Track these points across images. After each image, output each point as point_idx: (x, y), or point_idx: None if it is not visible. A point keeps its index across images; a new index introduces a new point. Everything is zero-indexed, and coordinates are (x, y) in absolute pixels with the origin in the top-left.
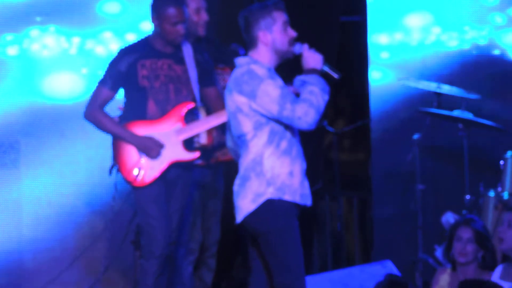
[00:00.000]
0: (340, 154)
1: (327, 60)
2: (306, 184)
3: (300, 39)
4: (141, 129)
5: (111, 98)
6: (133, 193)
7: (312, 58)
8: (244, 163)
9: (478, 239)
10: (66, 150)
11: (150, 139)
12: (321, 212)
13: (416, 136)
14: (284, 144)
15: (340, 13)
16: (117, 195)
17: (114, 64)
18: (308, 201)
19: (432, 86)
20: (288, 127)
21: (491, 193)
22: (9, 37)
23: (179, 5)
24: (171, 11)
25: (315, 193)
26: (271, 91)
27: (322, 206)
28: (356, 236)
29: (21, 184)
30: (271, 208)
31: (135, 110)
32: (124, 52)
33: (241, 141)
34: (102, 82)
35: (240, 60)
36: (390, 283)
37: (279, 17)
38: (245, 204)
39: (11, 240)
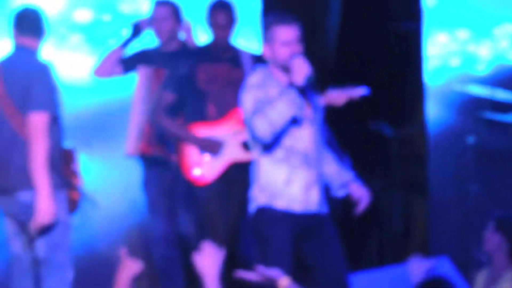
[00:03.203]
0: (399, 156)
1: (382, 65)
2: (315, 192)
3: (358, 44)
4: (202, 131)
5: (173, 101)
6: (195, 192)
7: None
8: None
9: (503, 229)
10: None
11: (211, 139)
12: (381, 210)
13: (470, 140)
14: (280, 153)
15: (396, 20)
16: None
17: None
18: (314, 209)
19: (486, 91)
20: (287, 136)
21: None
22: None
23: (226, 10)
24: (220, 16)
25: (375, 193)
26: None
27: (382, 205)
28: (414, 234)
29: None
30: (259, 216)
31: (195, 113)
32: (185, 57)
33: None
34: (164, 87)
35: None
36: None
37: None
38: (250, 208)
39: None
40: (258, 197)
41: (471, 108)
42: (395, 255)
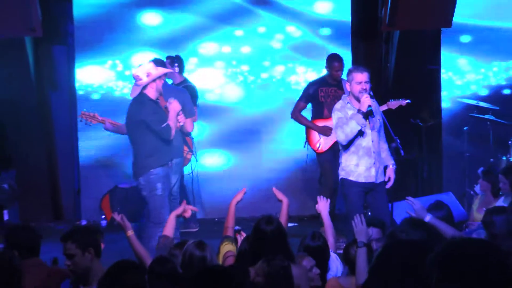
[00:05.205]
0: (426, 136)
1: (418, 88)
2: (373, 170)
3: (405, 77)
4: (320, 123)
5: (304, 107)
6: (317, 157)
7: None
8: None
9: (487, 177)
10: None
11: (325, 127)
12: (416, 165)
13: (465, 128)
14: (352, 148)
15: (426, 63)
16: (308, 159)
17: (307, 89)
18: (373, 180)
19: (473, 102)
20: (356, 137)
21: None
22: None
23: (340, 61)
24: (336, 64)
25: (413, 156)
26: (334, 118)
27: (417, 163)
28: (434, 180)
29: None
30: (342, 183)
31: (317, 114)
32: (312, 83)
33: None
34: (300, 99)
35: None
36: (434, 205)
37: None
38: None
39: None
40: (341, 173)
41: (466, 110)
42: (423, 190)
